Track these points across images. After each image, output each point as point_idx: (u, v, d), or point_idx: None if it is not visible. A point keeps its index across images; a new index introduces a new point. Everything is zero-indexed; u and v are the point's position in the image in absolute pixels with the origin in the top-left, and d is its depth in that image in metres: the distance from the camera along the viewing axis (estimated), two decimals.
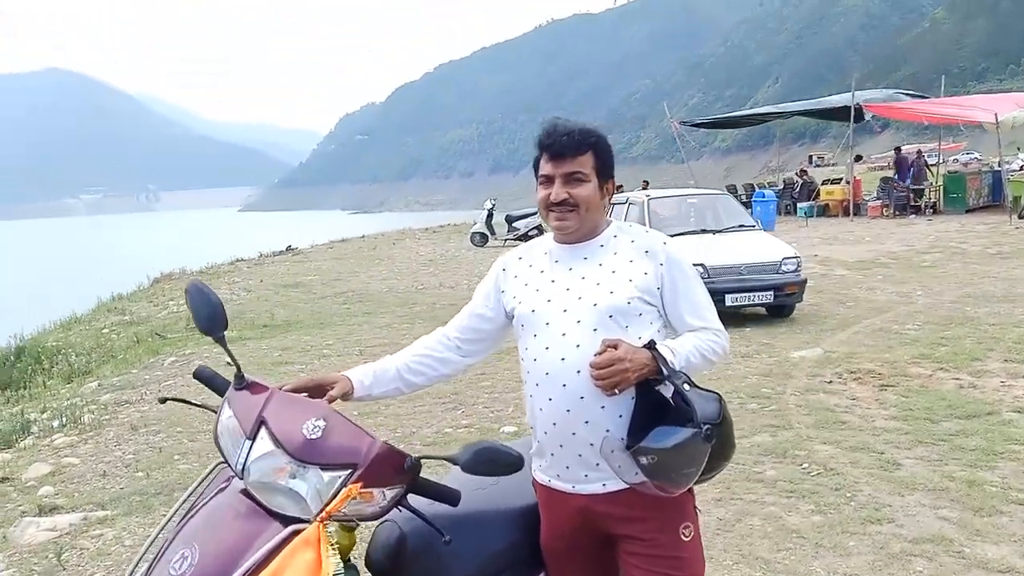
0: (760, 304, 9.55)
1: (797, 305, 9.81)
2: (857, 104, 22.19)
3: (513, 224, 20.81)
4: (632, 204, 10.89)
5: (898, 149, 24.93)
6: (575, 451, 2.11)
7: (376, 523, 2.22)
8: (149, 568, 1.87)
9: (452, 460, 1.96)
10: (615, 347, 2.01)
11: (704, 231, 10.21)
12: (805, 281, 9.65)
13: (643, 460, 1.98)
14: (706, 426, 1.94)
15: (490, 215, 20.72)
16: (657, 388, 2.07)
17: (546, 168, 2.16)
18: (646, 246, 2.19)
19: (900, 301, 10.38)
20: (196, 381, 2.16)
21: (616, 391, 2.02)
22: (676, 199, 11.24)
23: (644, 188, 23.24)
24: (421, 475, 2.01)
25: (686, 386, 2.02)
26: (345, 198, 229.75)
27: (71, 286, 21.55)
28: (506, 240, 20.62)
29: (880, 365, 7.18)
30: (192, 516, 1.95)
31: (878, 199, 23.00)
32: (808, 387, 6.71)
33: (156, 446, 5.71)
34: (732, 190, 27.31)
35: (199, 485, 2.06)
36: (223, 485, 1.98)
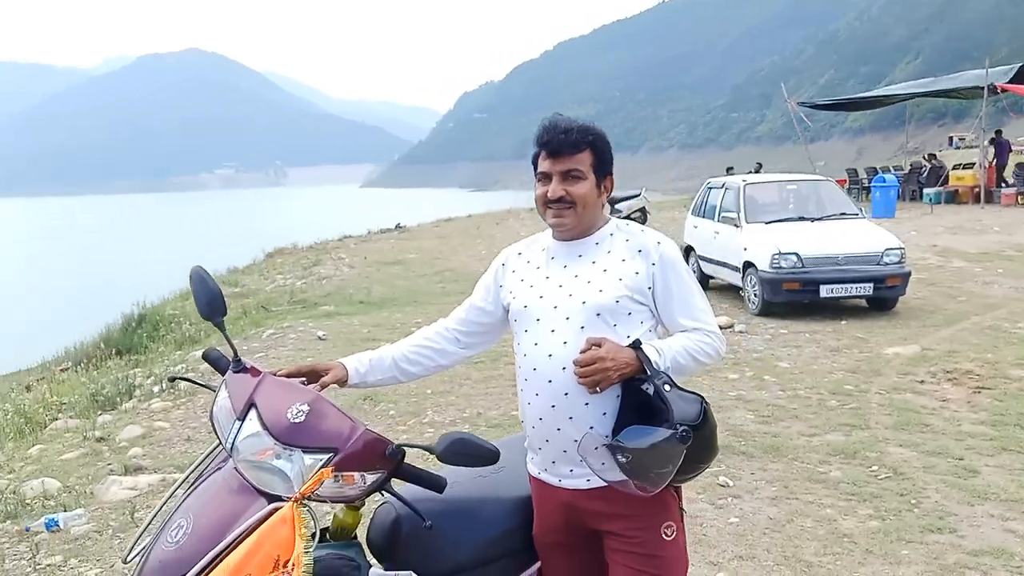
0: (858, 296, 9.16)
1: (901, 298, 9.35)
2: (991, 84, 20.74)
3: (616, 206, 20.53)
4: (728, 189, 10.61)
5: (998, 132, 23.17)
6: (560, 446, 2.13)
7: (377, 504, 2.32)
8: (154, 536, 2.02)
9: (429, 450, 2.02)
10: (599, 345, 2.03)
11: (802, 219, 9.84)
12: (909, 273, 9.17)
13: (619, 458, 2.00)
14: (682, 427, 1.94)
15: None
16: (643, 387, 2.08)
17: (544, 165, 2.18)
18: (639, 245, 2.18)
19: (1017, 297, 9.73)
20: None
21: (598, 389, 2.04)
22: (774, 184, 10.87)
23: (757, 171, 22.51)
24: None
25: (667, 386, 2.02)
26: (462, 176, 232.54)
27: (199, 257, 22.74)
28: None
29: (980, 365, 6.79)
30: (193, 490, 2.09)
31: (1012, 186, 21.49)
32: (896, 386, 6.43)
33: None
34: (852, 174, 26.13)
35: (202, 462, 2.20)
36: (222, 464, 2.11)
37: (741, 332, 8.40)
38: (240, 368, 2.10)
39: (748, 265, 9.41)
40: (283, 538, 1.83)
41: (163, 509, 2.11)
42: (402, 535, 2.25)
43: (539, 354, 2.14)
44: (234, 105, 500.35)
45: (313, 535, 2.07)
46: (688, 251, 11.49)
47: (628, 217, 19.99)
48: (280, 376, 2.13)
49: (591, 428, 2.09)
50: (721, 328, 8.02)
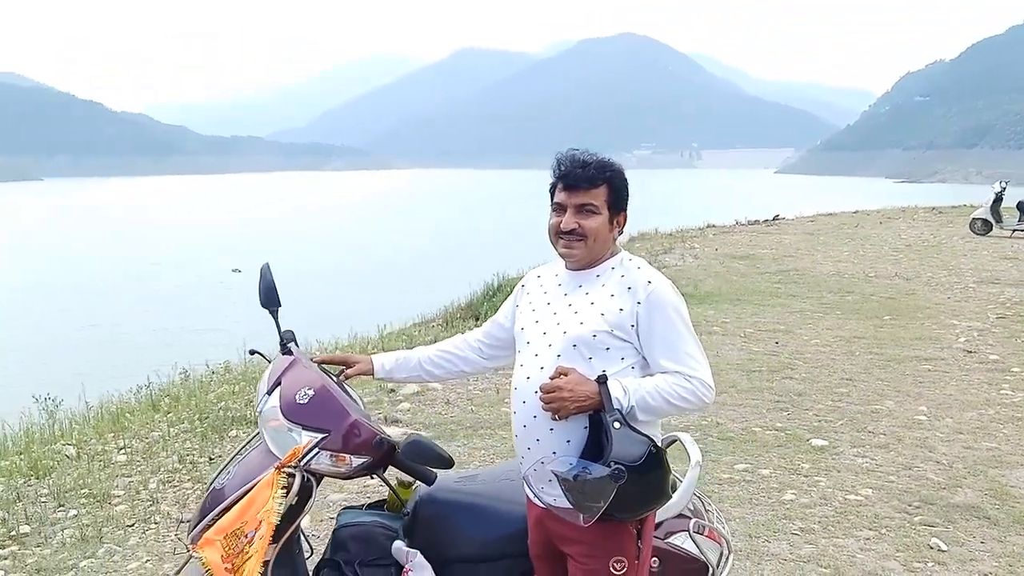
0: None
1: None
2: None
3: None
4: None
5: None
6: (531, 464, 2.26)
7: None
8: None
9: (392, 446, 2.30)
10: (565, 375, 2.13)
11: None
12: None
13: (562, 487, 2.10)
14: (615, 466, 1.99)
15: (998, 199, 17.67)
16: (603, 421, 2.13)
17: (560, 197, 2.29)
18: (630, 282, 2.21)
19: None
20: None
21: (556, 417, 2.14)
22: None
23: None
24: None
25: (616, 424, 2.07)
26: (891, 165, 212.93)
27: None
28: (1014, 231, 17.53)
29: None
30: (256, 446, 2.62)
31: None
32: None
33: (496, 387, 6.66)
34: None
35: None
36: None
37: None
38: (286, 351, 2.56)
39: None
40: (266, 499, 2.25)
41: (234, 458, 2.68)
42: (418, 519, 2.58)
43: (521, 375, 2.29)
44: (659, 87, 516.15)
45: (360, 506, 2.50)
46: None
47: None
48: (316, 361, 2.56)
49: (554, 453, 2.19)
50: None
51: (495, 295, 13.67)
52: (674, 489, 2.58)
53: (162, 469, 5.15)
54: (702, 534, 2.57)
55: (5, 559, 3.84)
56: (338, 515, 2.74)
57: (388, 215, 64.78)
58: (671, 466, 2.73)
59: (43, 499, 4.69)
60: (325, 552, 2.62)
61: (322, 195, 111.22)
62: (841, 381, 7.00)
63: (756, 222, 20.96)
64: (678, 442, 2.72)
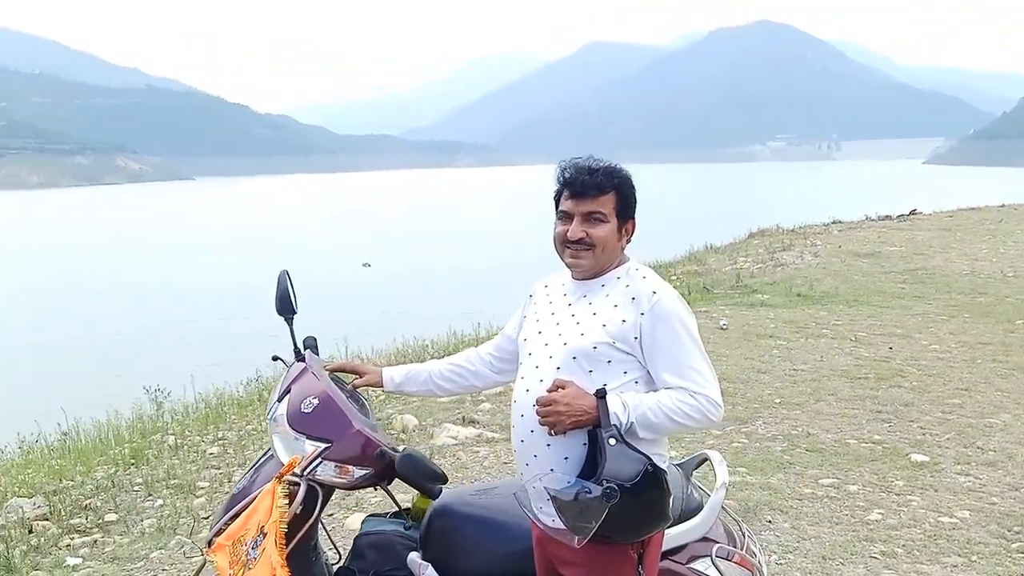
0: None
1: None
2: None
3: None
4: None
5: None
6: (527, 482, 2.19)
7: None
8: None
9: (392, 459, 2.28)
10: (563, 387, 2.05)
11: None
12: None
13: (553, 505, 2.03)
14: (607, 485, 1.90)
15: None
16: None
17: (566, 205, 2.20)
18: (634, 293, 2.11)
19: None
20: None
21: (552, 432, 2.06)
22: None
23: None
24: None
25: (612, 440, 1.99)
26: None
27: (698, 229, 23.48)
28: None
29: None
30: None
31: None
32: None
33: None
34: None
35: None
36: None
37: None
38: (300, 358, 2.58)
39: None
40: (266, 508, 2.27)
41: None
42: (431, 531, 2.55)
43: (521, 388, 2.21)
44: (796, 76, 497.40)
45: (385, 514, 2.51)
46: None
47: None
48: (329, 368, 2.57)
49: (551, 470, 2.11)
50: None
51: None
52: (700, 510, 2.45)
53: (248, 462, 5.35)
54: (729, 560, 2.42)
55: (87, 546, 4.09)
56: (362, 522, 2.76)
57: (511, 212, 65.31)
58: (701, 486, 2.60)
59: (136, 488, 4.98)
60: (345, 559, 2.64)
61: (451, 192, 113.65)
62: (955, 391, 6.49)
63: (887, 217, 19.74)
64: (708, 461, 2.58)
